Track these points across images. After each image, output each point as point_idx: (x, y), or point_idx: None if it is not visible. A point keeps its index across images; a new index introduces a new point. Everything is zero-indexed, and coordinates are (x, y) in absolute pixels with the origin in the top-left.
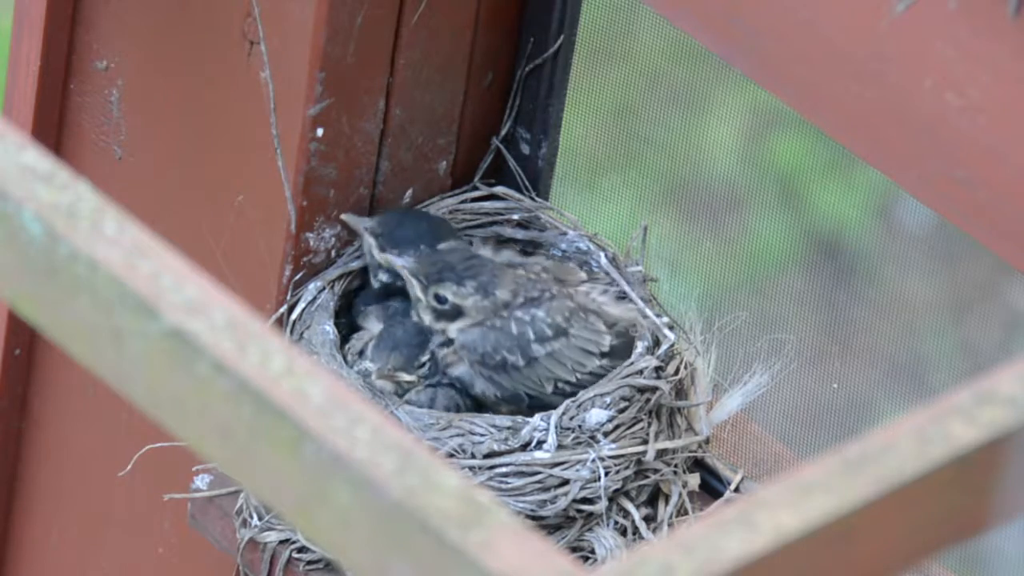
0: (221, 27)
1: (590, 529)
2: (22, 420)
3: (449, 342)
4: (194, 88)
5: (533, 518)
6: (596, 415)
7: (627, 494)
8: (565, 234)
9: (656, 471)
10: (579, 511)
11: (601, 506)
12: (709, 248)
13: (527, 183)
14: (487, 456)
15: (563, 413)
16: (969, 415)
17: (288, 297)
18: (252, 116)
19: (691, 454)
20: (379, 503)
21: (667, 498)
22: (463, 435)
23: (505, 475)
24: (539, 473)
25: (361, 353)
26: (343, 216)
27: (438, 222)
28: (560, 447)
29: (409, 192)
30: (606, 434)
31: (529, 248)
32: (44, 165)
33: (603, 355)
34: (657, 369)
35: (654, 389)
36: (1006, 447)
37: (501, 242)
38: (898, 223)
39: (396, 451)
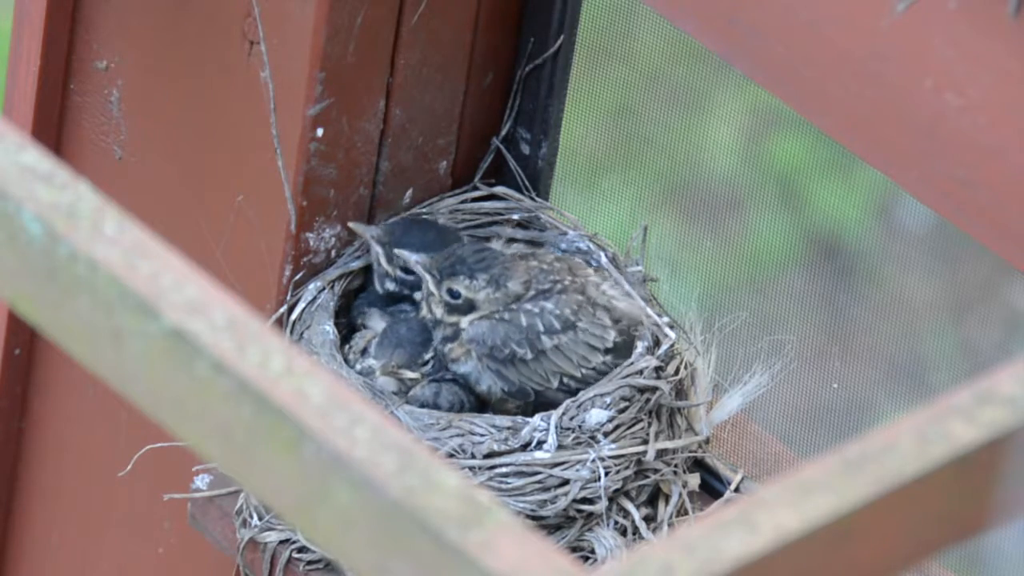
0: (221, 27)
1: (590, 529)
2: (22, 420)
3: (454, 336)
4: (194, 88)
5: (533, 518)
6: (596, 415)
7: (627, 494)
8: (565, 234)
9: (656, 471)
10: (579, 511)
11: (601, 506)
12: (709, 248)
13: (527, 183)
14: (487, 456)
15: (563, 413)
16: (969, 415)
17: (288, 297)
18: (252, 116)
19: (691, 454)
20: (379, 503)
21: (667, 498)
22: (463, 435)
23: (505, 475)
24: (539, 473)
25: (364, 351)
26: (350, 224)
27: (445, 230)
28: (560, 447)
29: (409, 192)
30: (606, 434)
31: (530, 248)
32: (44, 165)
33: (607, 351)
34: (657, 369)
35: (654, 389)
36: (1006, 447)
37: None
38: (898, 223)
39: (396, 451)
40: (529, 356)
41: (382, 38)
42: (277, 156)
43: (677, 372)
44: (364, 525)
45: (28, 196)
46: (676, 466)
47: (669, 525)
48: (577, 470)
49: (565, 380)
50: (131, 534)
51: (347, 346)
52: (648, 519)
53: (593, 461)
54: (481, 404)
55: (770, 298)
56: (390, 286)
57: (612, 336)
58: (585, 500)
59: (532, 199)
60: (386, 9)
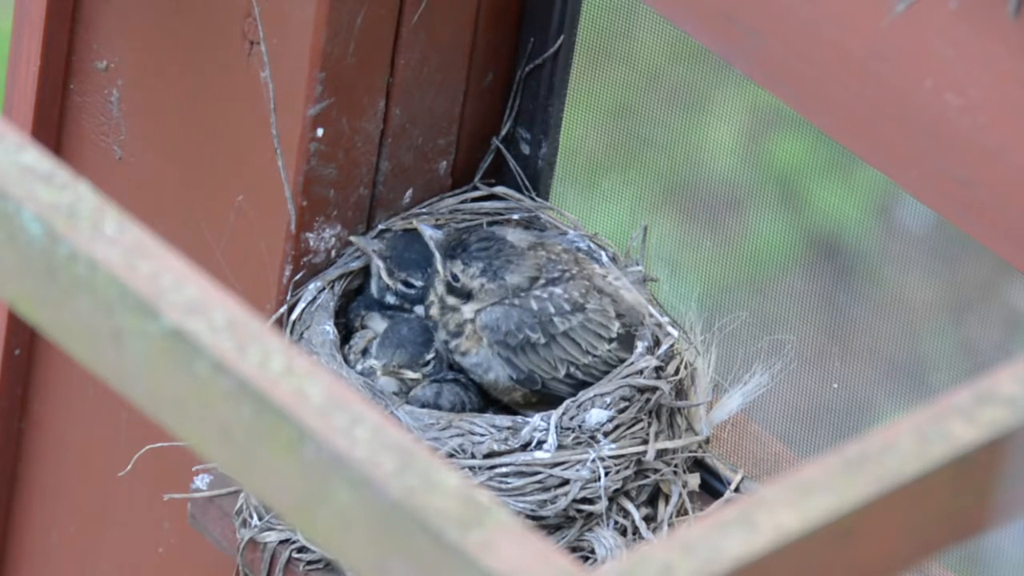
0: (221, 27)
1: (590, 529)
2: (22, 420)
3: (459, 333)
4: (194, 88)
5: (533, 518)
6: (596, 415)
7: (627, 494)
8: (565, 234)
9: (656, 471)
10: (579, 511)
11: (601, 506)
12: (709, 248)
13: (527, 183)
14: (487, 456)
15: (563, 413)
16: (969, 415)
17: (288, 297)
18: (252, 116)
19: (691, 454)
20: (379, 503)
21: (667, 498)
22: (463, 435)
23: (505, 475)
24: (539, 473)
25: (365, 352)
26: (352, 238)
27: None
28: (560, 447)
29: (409, 192)
30: (606, 434)
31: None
32: (44, 165)
33: (611, 340)
34: (657, 369)
35: (654, 389)
36: (1006, 447)
37: None
38: (898, 223)
39: (396, 451)
40: (542, 341)
41: (382, 38)
42: (277, 156)
43: (677, 372)
44: (364, 525)
45: (28, 196)
46: (676, 466)
47: (669, 525)
48: (577, 470)
49: (571, 369)
50: (131, 534)
51: (349, 344)
52: (648, 519)
53: (593, 461)
54: (483, 404)
55: (770, 298)
56: (391, 299)
57: (616, 327)
58: (585, 500)
59: (532, 199)
60: (386, 9)
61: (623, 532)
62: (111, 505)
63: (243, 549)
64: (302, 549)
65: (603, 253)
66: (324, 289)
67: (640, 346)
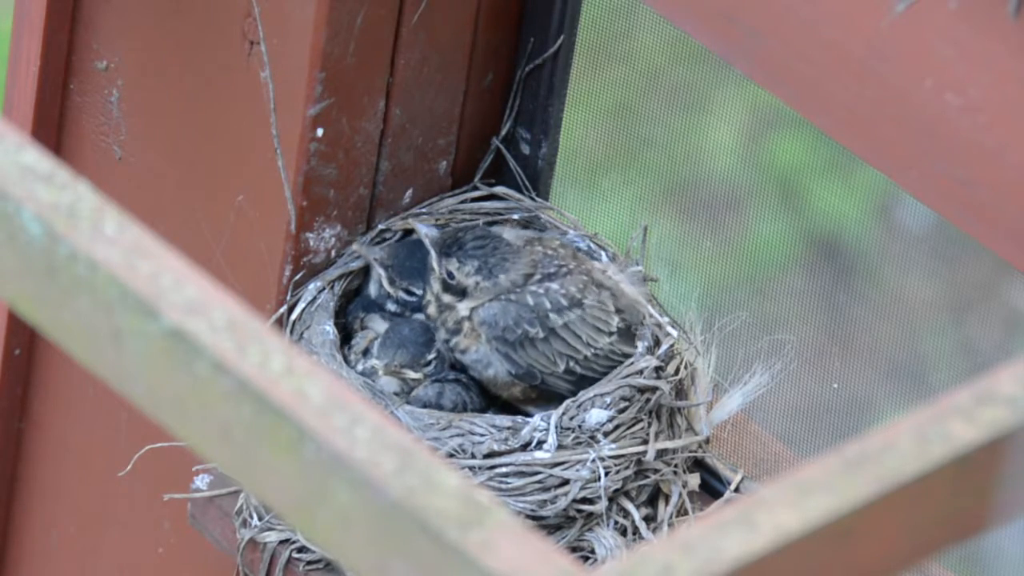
0: (221, 27)
1: (590, 529)
2: (22, 420)
3: (458, 330)
4: (194, 88)
5: (533, 518)
6: (596, 415)
7: (627, 494)
8: (565, 234)
9: (656, 471)
10: (579, 511)
11: (601, 506)
12: (709, 248)
13: (527, 183)
14: (487, 456)
15: (563, 413)
16: (969, 415)
17: (288, 297)
18: (252, 116)
19: (691, 454)
20: (379, 503)
21: (667, 498)
22: (463, 435)
23: (505, 475)
24: (539, 473)
25: (366, 352)
26: (353, 246)
27: None
28: (560, 447)
29: (409, 192)
30: (606, 434)
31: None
32: (44, 165)
33: (611, 334)
34: (657, 369)
35: (654, 389)
36: (1006, 447)
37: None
38: (898, 223)
39: (396, 451)
40: (540, 335)
41: (382, 38)
42: (277, 156)
43: (677, 372)
44: (364, 525)
45: (28, 196)
46: (676, 466)
47: (669, 525)
48: (577, 470)
49: (571, 364)
50: (131, 534)
51: (350, 344)
52: (648, 519)
53: (593, 461)
54: (484, 404)
55: (770, 298)
56: (391, 307)
57: (616, 321)
58: (585, 500)
59: (532, 199)
60: (386, 9)
61: (623, 532)
62: (111, 505)
63: (243, 549)
64: (302, 549)
65: (603, 253)
66: (324, 289)
67: (640, 346)
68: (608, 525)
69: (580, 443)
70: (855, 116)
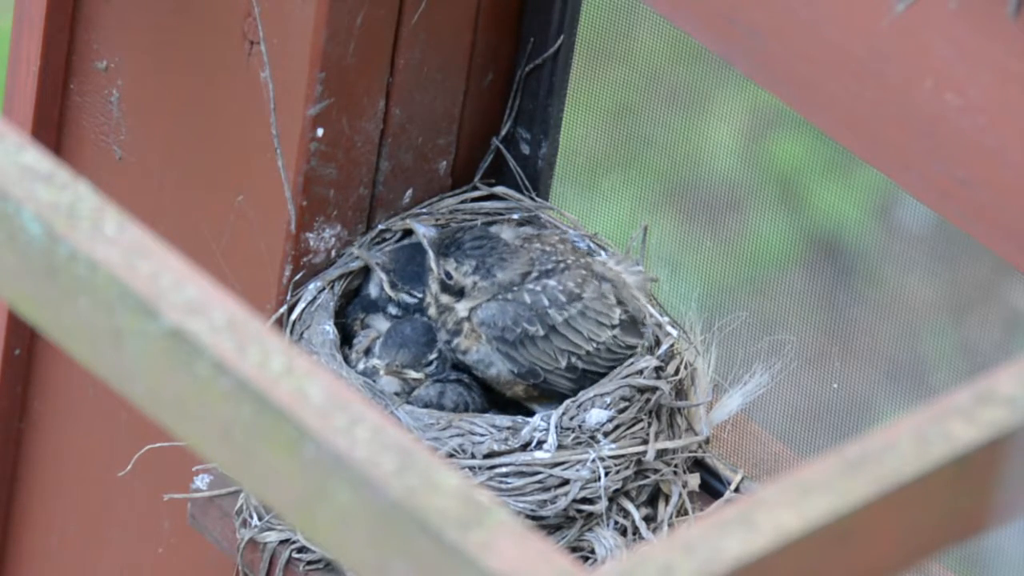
0: (221, 27)
1: (590, 529)
2: (22, 420)
3: (459, 331)
4: (194, 88)
5: (533, 518)
6: (596, 415)
7: (627, 494)
8: (565, 234)
9: (656, 471)
10: (579, 511)
11: (601, 506)
12: (709, 248)
13: (527, 183)
14: (487, 456)
15: (563, 413)
16: (969, 415)
17: (288, 297)
18: (252, 116)
19: (691, 454)
20: (379, 503)
21: (667, 498)
22: (463, 435)
23: (505, 475)
24: (539, 473)
25: (368, 351)
26: (355, 251)
27: None
28: (560, 447)
29: (409, 192)
30: (606, 434)
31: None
32: (44, 165)
33: (613, 327)
34: (657, 369)
35: (654, 389)
36: (1006, 447)
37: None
38: (898, 223)
39: (396, 451)
40: (540, 333)
41: (382, 38)
42: (277, 156)
43: (677, 372)
44: (364, 525)
45: (28, 196)
46: (676, 466)
47: (669, 525)
48: (577, 470)
49: (572, 360)
50: (131, 534)
51: (347, 346)
52: (648, 519)
53: (593, 461)
54: (486, 404)
55: (770, 298)
56: (393, 311)
57: (618, 313)
58: (585, 500)
59: (532, 199)
60: (386, 9)
61: (623, 532)
62: (111, 505)
63: (243, 549)
64: (302, 549)
65: (603, 253)
66: (324, 289)
67: (646, 335)
68: (608, 525)
69: (580, 443)
70: (855, 116)
